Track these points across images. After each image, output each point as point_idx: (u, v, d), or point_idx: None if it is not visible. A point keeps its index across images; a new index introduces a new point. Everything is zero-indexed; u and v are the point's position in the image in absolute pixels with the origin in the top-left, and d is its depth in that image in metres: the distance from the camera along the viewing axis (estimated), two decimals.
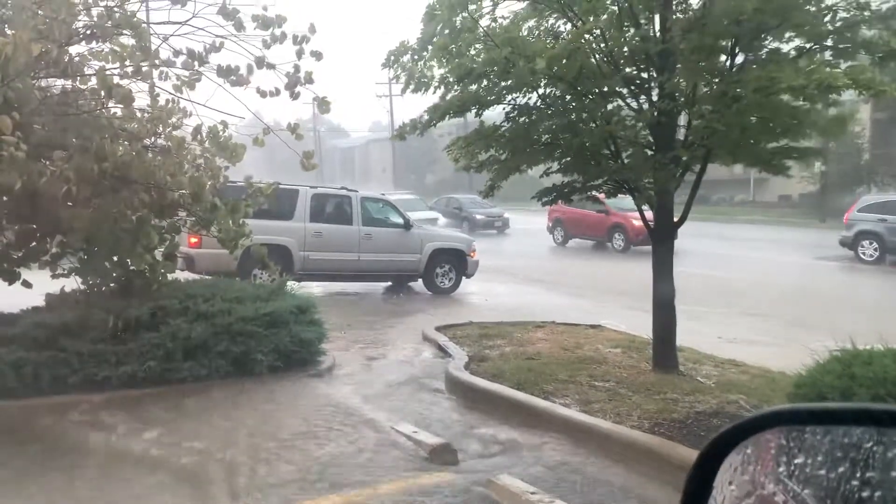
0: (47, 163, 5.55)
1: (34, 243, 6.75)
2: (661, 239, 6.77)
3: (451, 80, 6.49)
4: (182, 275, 8.43)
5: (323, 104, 6.64)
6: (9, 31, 5.38)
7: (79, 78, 6.13)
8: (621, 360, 7.27)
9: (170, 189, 6.30)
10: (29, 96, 5.58)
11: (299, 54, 6.33)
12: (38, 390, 5.84)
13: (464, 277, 13.94)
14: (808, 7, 5.47)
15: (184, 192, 6.35)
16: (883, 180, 29.56)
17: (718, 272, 16.15)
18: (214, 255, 9.30)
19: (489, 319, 9.84)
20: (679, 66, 5.86)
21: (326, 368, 7.33)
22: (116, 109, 6.40)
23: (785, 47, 5.87)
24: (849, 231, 19.25)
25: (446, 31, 6.41)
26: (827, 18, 5.50)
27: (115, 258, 6.74)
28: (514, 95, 6.59)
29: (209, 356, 6.49)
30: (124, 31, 5.84)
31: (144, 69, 5.96)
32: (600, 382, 6.44)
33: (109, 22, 5.81)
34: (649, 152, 6.38)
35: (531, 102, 6.66)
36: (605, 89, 6.34)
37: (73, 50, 6.07)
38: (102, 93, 5.81)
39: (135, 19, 5.85)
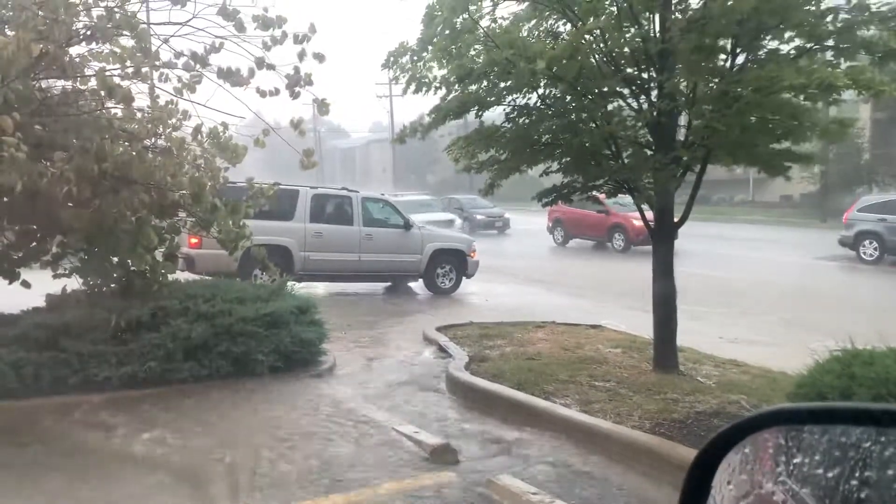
0: (48, 163, 5.55)
1: (35, 243, 6.76)
2: (661, 239, 6.77)
3: (451, 80, 6.50)
4: (182, 275, 8.43)
5: (323, 106, 6.65)
6: (9, 32, 5.39)
7: (79, 79, 6.13)
8: (622, 361, 7.27)
9: (170, 190, 6.31)
10: (29, 97, 5.59)
11: (301, 56, 6.33)
12: (38, 391, 5.84)
13: (464, 278, 13.94)
14: (807, 7, 5.47)
15: (184, 192, 6.36)
16: (883, 180, 29.54)
17: (719, 272, 16.14)
18: (215, 255, 9.29)
19: (489, 320, 9.84)
20: (679, 66, 5.86)
21: (327, 369, 7.33)
22: (117, 110, 6.41)
23: (785, 47, 5.88)
24: (849, 231, 19.24)
25: (447, 32, 6.41)
26: (828, 19, 5.50)
27: (116, 259, 6.74)
28: (515, 96, 6.59)
29: (210, 357, 6.50)
30: (124, 33, 5.84)
31: (144, 70, 5.97)
32: (601, 382, 6.43)
33: (110, 23, 5.82)
34: (649, 152, 6.38)
35: (531, 103, 6.66)
36: (605, 89, 6.34)
37: (73, 51, 6.08)
38: (103, 93, 5.82)
39: (134, 20, 5.84)
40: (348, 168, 71.81)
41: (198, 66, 6.22)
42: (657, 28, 6.03)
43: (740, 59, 5.91)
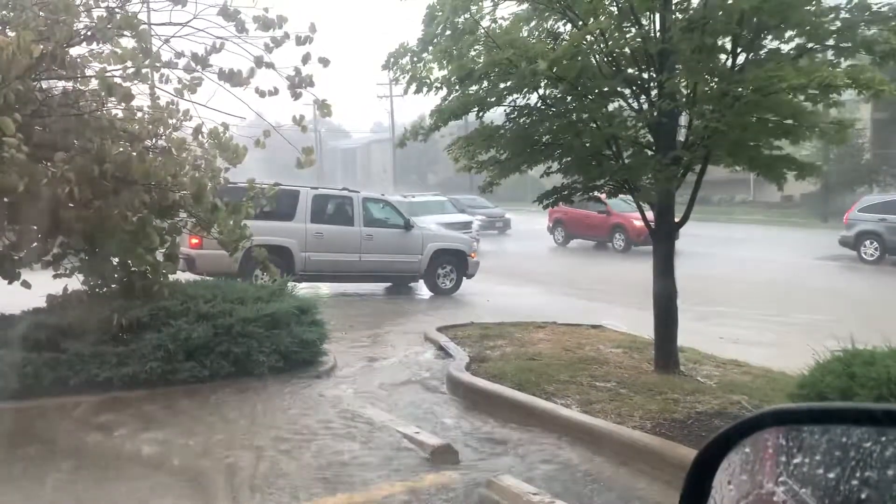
0: (48, 164, 5.56)
1: (35, 244, 6.76)
2: (662, 239, 6.77)
3: (452, 80, 6.50)
4: (183, 276, 8.43)
5: (324, 107, 6.65)
6: (10, 33, 5.39)
7: (79, 79, 6.14)
8: (622, 361, 7.27)
9: (171, 190, 6.32)
10: (30, 97, 5.60)
11: (305, 59, 6.33)
12: (39, 391, 5.84)
13: (465, 278, 13.95)
14: (808, 7, 5.47)
15: (185, 193, 6.36)
16: (884, 180, 29.53)
17: (719, 272, 16.14)
18: (215, 255, 9.30)
19: (490, 320, 9.84)
20: (679, 65, 5.86)
21: (328, 369, 7.33)
22: (118, 111, 6.42)
23: (785, 47, 5.88)
24: (849, 231, 19.23)
25: (447, 32, 6.41)
26: (829, 17, 5.49)
27: (117, 259, 6.74)
28: (515, 96, 6.59)
29: (210, 357, 6.49)
30: (125, 33, 5.85)
31: (145, 71, 5.97)
32: (601, 383, 6.43)
33: (110, 24, 5.82)
34: (650, 153, 6.38)
35: (532, 103, 6.66)
36: (606, 90, 6.34)
37: (74, 52, 6.09)
38: (103, 94, 5.82)
39: (135, 20, 5.85)
40: (349, 168, 71.81)
41: (199, 67, 6.22)
42: (657, 28, 6.04)
43: (741, 59, 5.91)
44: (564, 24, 6.61)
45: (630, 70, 6.25)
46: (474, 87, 6.54)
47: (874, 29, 5.53)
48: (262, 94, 6.40)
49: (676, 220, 6.70)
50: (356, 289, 14.00)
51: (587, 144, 6.46)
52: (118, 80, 5.81)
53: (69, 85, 6.33)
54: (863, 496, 0.86)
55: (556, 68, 5.70)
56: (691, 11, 5.89)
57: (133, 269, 6.81)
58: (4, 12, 5.91)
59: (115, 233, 6.32)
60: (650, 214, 6.82)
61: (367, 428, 5.62)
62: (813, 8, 5.50)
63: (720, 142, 5.92)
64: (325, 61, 6.37)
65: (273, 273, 7.46)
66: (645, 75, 6.27)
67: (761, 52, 5.92)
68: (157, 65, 6.14)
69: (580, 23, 5.99)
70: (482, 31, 6.26)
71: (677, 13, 5.89)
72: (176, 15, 6.19)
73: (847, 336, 4.32)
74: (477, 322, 9.68)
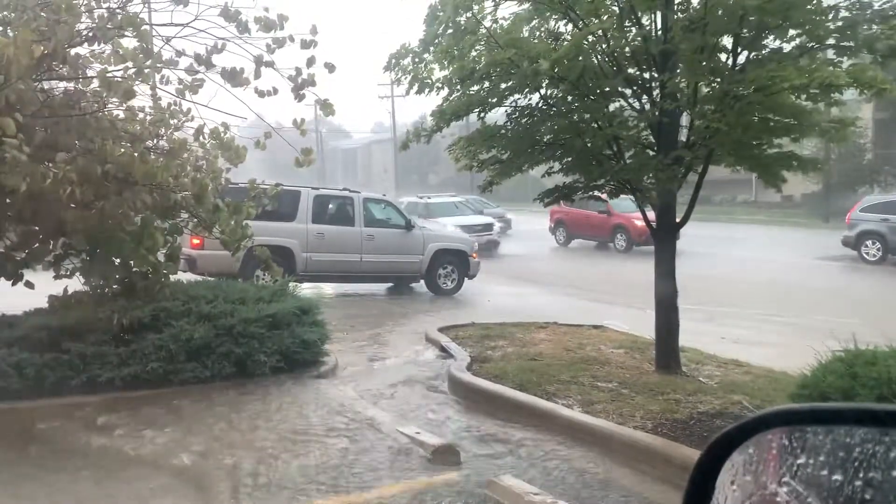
0: (50, 165, 5.56)
1: (37, 245, 6.76)
2: (663, 239, 6.77)
3: (453, 80, 6.50)
4: (185, 276, 8.43)
5: (326, 107, 6.64)
6: (11, 33, 5.39)
7: (81, 80, 6.14)
8: (624, 361, 7.27)
9: (172, 190, 6.32)
10: (31, 98, 5.59)
11: (310, 63, 6.33)
12: (41, 392, 5.84)
13: (466, 278, 13.94)
14: (809, 6, 5.46)
15: (186, 193, 6.36)
16: (886, 180, 29.48)
17: (720, 272, 16.12)
18: (217, 256, 9.32)
19: (491, 320, 9.83)
20: (681, 65, 5.86)
21: (329, 369, 7.33)
22: (119, 112, 6.42)
23: (787, 46, 5.87)
24: (851, 231, 19.20)
25: (449, 32, 6.41)
26: (830, 16, 5.49)
27: (118, 260, 6.75)
28: (516, 96, 6.59)
29: (212, 357, 6.49)
30: (126, 33, 5.85)
31: (146, 71, 5.97)
32: (603, 383, 6.43)
33: (111, 24, 5.82)
34: (651, 153, 6.38)
35: (533, 103, 6.66)
36: (607, 90, 6.34)
37: (75, 52, 6.08)
38: (105, 94, 5.82)
39: (137, 20, 5.85)
40: (350, 169, 71.82)
41: (201, 67, 6.22)
42: (659, 28, 6.04)
43: (742, 59, 5.91)
44: (566, 24, 6.61)
45: (631, 70, 6.25)
46: (476, 88, 6.54)
47: (875, 27, 5.52)
48: (261, 94, 6.40)
49: (678, 220, 6.69)
50: (357, 289, 14.00)
51: (588, 144, 6.46)
52: (119, 80, 5.81)
53: (70, 85, 6.33)
54: (867, 497, 0.86)
55: (558, 68, 5.70)
56: (692, 11, 5.89)
57: (134, 269, 6.82)
58: (6, 13, 5.91)
59: (117, 233, 6.32)
60: (651, 214, 6.82)
61: (368, 428, 5.62)
62: (814, 7, 5.49)
63: (721, 141, 5.91)
64: (330, 66, 6.38)
65: (276, 273, 7.46)
66: (646, 75, 6.26)
67: (762, 52, 5.91)
68: (159, 65, 6.14)
69: (581, 23, 5.98)
70: (484, 30, 6.26)
71: (678, 13, 5.89)
72: (177, 15, 6.21)
73: (849, 336, 4.31)
74: (478, 322, 9.67)
